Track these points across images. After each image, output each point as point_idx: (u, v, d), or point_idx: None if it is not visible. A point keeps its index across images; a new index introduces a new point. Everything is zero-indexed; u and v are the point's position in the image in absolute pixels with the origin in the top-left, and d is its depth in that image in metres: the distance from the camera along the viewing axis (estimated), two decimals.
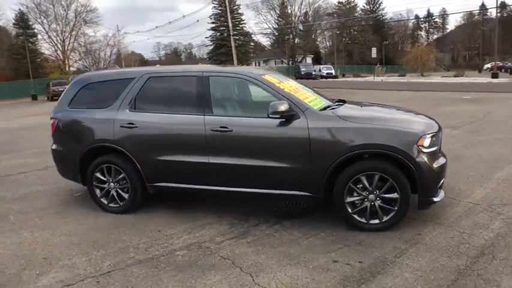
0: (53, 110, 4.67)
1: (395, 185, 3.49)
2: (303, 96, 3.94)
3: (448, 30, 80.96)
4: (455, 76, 32.71)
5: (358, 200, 3.63)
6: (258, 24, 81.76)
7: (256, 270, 3.04)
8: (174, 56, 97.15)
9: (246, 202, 4.42)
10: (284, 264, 3.11)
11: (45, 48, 48.81)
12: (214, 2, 58.79)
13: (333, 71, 47.21)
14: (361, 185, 3.59)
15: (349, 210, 3.65)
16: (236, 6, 60.30)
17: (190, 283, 2.90)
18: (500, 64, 38.41)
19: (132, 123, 4.09)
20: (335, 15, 70.79)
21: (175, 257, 3.32)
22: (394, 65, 60.52)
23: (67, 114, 4.48)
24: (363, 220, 3.63)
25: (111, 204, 4.37)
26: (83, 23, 45.39)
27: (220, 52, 59.75)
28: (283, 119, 3.65)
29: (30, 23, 47.57)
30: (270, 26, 64.99)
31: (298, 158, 3.65)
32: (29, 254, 3.49)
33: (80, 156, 4.31)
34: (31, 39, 46.57)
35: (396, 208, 3.55)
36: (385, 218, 3.59)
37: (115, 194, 4.33)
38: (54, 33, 46.59)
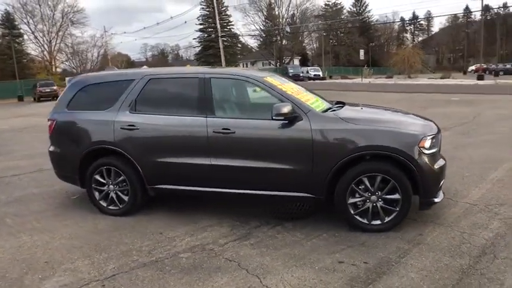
0: (50, 111, 4.59)
1: (397, 186, 3.55)
2: (304, 98, 3.97)
3: (433, 33, 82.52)
4: (441, 78, 33.36)
5: (360, 201, 3.67)
6: (246, 26, 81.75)
7: (262, 272, 3.05)
8: (161, 57, 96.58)
9: (246, 204, 4.43)
10: (290, 266, 3.13)
11: (32, 48, 47.95)
12: (202, 3, 58.66)
13: (320, 73, 47.57)
14: (363, 186, 3.63)
15: (351, 211, 3.68)
16: (224, 8, 60.26)
17: (198, 285, 2.89)
18: (485, 66, 39.29)
19: (133, 125, 4.06)
20: (322, 17, 71.31)
21: (179, 260, 3.30)
22: (381, 66, 61.33)
23: (65, 116, 4.41)
24: (365, 221, 3.68)
25: (110, 207, 4.32)
26: (69, 23, 44.75)
27: (208, 53, 59.55)
28: (286, 121, 3.67)
29: (16, 23, 46.62)
30: (258, 27, 65.12)
31: (301, 159, 3.67)
32: (29, 257, 3.42)
33: (80, 158, 4.25)
34: (17, 40, 45.60)
35: (398, 209, 3.60)
36: (386, 219, 3.64)
37: (114, 197, 4.28)
38: (41, 34, 45.85)
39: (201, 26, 61.77)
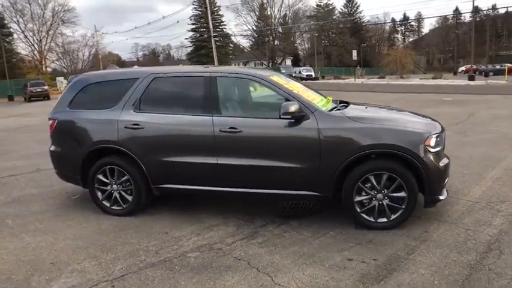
0: (51, 110, 4.53)
1: (403, 184, 3.58)
2: (310, 97, 3.98)
3: (423, 34, 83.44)
4: (433, 78, 33.75)
5: (366, 199, 3.69)
6: (238, 26, 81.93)
7: (273, 270, 3.05)
8: (152, 57, 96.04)
9: (250, 203, 4.43)
10: (300, 264, 3.13)
11: (22, 48, 47.38)
12: (194, 3, 58.51)
13: (312, 73, 47.72)
14: (369, 184, 3.66)
15: (358, 209, 3.70)
16: (216, 8, 60.20)
17: (209, 284, 2.88)
18: (475, 67, 39.87)
19: (138, 124, 4.02)
20: (314, 17, 71.62)
21: (188, 259, 3.29)
22: (372, 67, 61.79)
23: (67, 115, 4.35)
24: (371, 219, 3.70)
25: (113, 207, 4.27)
26: (60, 22, 44.06)
27: (200, 53, 59.43)
28: (293, 120, 3.67)
29: (6, 22, 45.82)
30: (250, 27, 65.16)
31: (308, 158, 3.68)
32: (34, 259, 3.37)
33: (82, 158, 4.20)
34: (7, 39, 44.78)
35: (404, 207, 3.63)
36: (392, 217, 3.67)
37: (118, 196, 4.24)
38: (31, 33, 45.17)
39: (194, 26, 61.70)
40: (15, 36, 46.11)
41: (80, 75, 4.75)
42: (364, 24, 76.38)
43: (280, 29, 66.40)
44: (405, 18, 78.58)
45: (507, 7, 61.91)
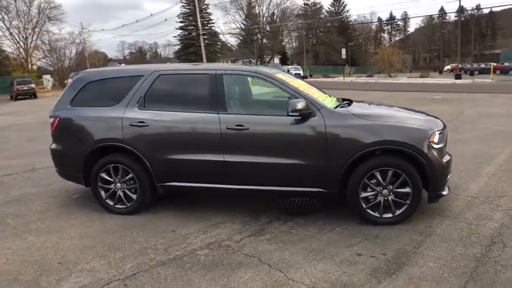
0: (52, 108, 4.45)
1: (408, 179, 3.65)
2: (315, 95, 4.02)
3: (409, 33, 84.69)
4: (421, 77, 34.29)
5: (372, 195, 3.75)
6: (227, 24, 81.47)
7: (285, 266, 3.08)
8: (139, 55, 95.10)
9: (254, 200, 4.45)
10: (311, 259, 3.17)
11: (7, 45, 45.90)
12: (182, 1, 58.00)
13: (301, 72, 47.84)
14: (374, 181, 3.72)
15: (364, 205, 3.76)
16: (205, 6, 59.80)
17: (223, 281, 2.89)
18: (460, 66, 40.67)
19: (143, 122, 3.99)
20: (302, 16, 71.92)
21: (198, 257, 3.29)
22: (359, 66, 62.40)
23: (69, 113, 4.29)
24: (376, 214, 3.76)
25: (117, 206, 4.24)
26: (46, 19, 43.05)
27: (189, 51, 58.99)
28: (300, 117, 3.70)
29: None
30: (238, 26, 65.01)
31: (315, 155, 3.72)
32: (41, 259, 3.32)
33: (85, 156, 4.15)
34: None
35: (408, 202, 3.70)
36: (397, 212, 3.74)
37: (122, 195, 4.21)
38: (16, 30, 43.94)
39: (182, 24, 61.16)
40: (0, 33, 45.05)
41: (82, 72, 4.68)
42: (351, 23, 77.05)
43: (268, 28, 66.46)
44: (391, 18, 79.69)
45: (491, 7, 63.50)
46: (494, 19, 68.39)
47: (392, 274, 2.90)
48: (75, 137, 4.25)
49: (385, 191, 3.71)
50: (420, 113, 4.35)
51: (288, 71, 47.48)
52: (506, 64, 37.39)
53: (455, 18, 63.86)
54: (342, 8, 78.29)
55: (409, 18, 78.23)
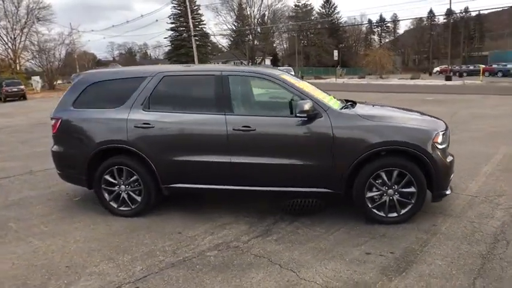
0: (54, 110, 4.40)
1: (413, 179, 3.70)
2: (320, 96, 4.05)
3: (398, 35, 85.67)
4: (412, 78, 34.75)
5: (377, 195, 3.79)
6: (218, 25, 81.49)
7: (296, 266, 3.10)
8: (128, 56, 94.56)
9: (260, 201, 4.46)
10: (321, 259, 3.19)
11: None
12: (173, 2, 57.79)
13: (293, 73, 47.99)
14: (380, 181, 3.76)
15: (369, 205, 3.80)
16: (196, 7, 59.66)
17: (236, 282, 2.90)
18: (449, 68, 41.29)
19: (148, 123, 3.97)
20: (293, 18, 72.24)
21: (207, 258, 3.29)
22: (350, 67, 62.88)
23: (72, 114, 4.24)
24: (382, 214, 3.81)
25: (121, 208, 4.21)
26: (35, 20, 42.38)
27: (180, 53, 58.80)
28: (306, 118, 3.73)
29: None
30: (230, 27, 64.98)
31: (322, 155, 3.75)
32: (48, 263, 3.28)
33: (88, 158, 4.11)
34: None
35: (413, 201, 3.76)
36: (402, 211, 3.79)
37: (126, 197, 4.18)
38: (4, 31, 43.16)
39: (173, 25, 60.92)
40: None
41: (84, 73, 4.64)
42: (341, 25, 77.67)
43: (259, 29, 66.60)
44: (381, 20, 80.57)
45: (479, 10, 64.69)
46: (482, 21, 69.69)
47: (402, 272, 2.94)
48: (78, 139, 4.21)
49: (390, 191, 3.76)
50: (423, 114, 4.42)
51: None
52: (494, 66, 38.12)
53: (444, 21, 64.96)
54: (332, 9, 78.87)
55: (398, 20, 79.17)
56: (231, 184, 3.97)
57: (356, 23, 76.82)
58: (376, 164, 3.72)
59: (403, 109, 4.66)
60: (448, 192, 3.92)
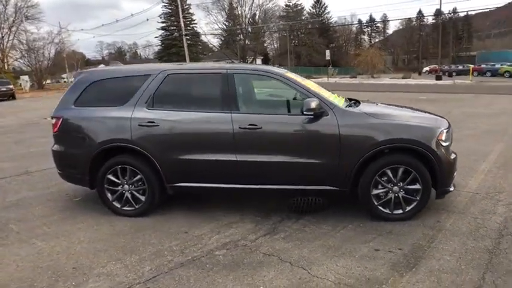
0: (55, 108, 4.32)
1: (418, 176, 3.73)
2: (325, 94, 4.06)
3: (388, 35, 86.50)
4: (403, 78, 35.10)
5: (382, 192, 3.82)
6: (209, 25, 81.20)
7: (306, 263, 3.10)
8: (118, 55, 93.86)
9: (264, 199, 4.45)
10: (330, 256, 3.20)
11: None
12: (164, 1, 57.40)
13: None
14: (385, 178, 3.79)
15: (375, 202, 3.83)
16: (187, 6, 59.35)
17: (248, 281, 2.88)
18: (438, 67, 41.82)
19: (153, 122, 3.93)
20: (283, 18, 72.40)
21: (216, 257, 3.27)
22: (340, 67, 63.24)
23: (74, 113, 4.17)
24: (387, 211, 3.84)
25: (125, 208, 4.15)
26: (23, 18, 41.57)
27: (171, 52, 58.41)
28: (313, 116, 3.74)
29: None
30: (221, 26, 64.85)
31: (328, 153, 3.75)
32: (54, 264, 3.22)
33: (91, 158, 4.05)
34: None
35: (418, 198, 3.80)
36: (408, 208, 3.82)
37: (129, 197, 4.13)
38: None
39: (163, 24, 60.49)
40: None
41: (85, 71, 4.57)
42: (331, 25, 78.09)
43: (249, 29, 66.60)
44: (371, 20, 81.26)
45: (467, 11, 65.71)
46: (470, 22, 70.79)
47: (412, 268, 2.97)
48: (80, 138, 4.14)
49: (395, 188, 3.79)
50: (425, 112, 4.46)
51: None
52: (483, 66, 38.74)
53: (433, 21, 65.81)
54: (322, 9, 79.22)
55: (388, 20, 79.92)
56: (237, 183, 3.95)
57: (346, 23, 77.48)
58: (381, 162, 3.75)
59: (406, 107, 4.70)
60: (451, 189, 3.96)
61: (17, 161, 6.97)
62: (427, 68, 50.95)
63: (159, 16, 59.02)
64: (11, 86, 26.70)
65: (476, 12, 62.56)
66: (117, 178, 4.11)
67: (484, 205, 4.19)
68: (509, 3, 61.48)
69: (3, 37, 41.81)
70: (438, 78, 31.34)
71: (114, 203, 4.17)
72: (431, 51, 65.59)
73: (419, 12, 67.27)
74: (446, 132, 3.89)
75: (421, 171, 3.73)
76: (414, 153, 3.74)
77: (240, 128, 3.79)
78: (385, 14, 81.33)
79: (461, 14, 68.60)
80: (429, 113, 4.49)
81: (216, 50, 71.41)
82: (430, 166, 3.75)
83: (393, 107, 4.57)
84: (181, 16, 43.39)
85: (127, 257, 3.31)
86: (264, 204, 4.35)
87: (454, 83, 27.59)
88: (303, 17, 77.35)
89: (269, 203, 4.39)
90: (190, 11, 60.83)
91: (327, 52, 36.45)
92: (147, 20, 54.31)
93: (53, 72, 43.13)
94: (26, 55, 39.43)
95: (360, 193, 3.83)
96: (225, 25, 64.84)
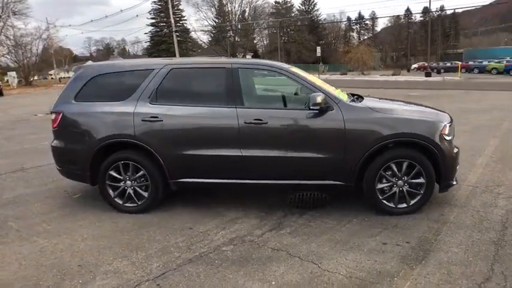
0: (54, 103, 4.21)
1: (422, 170, 3.76)
2: (330, 89, 4.05)
3: (376, 32, 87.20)
4: (393, 75, 35.48)
5: (387, 186, 3.84)
6: (199, 21, 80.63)
7: (316, 258, 3.09)
8: (106, 52, 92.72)
9: (267, 195, 4.43)
10: (339, 250, 3.20)
11: None
12: None
13: None
14: (390, 172, 3.81)
15: (380, 196, 3.84)
16: (177, 2, 58.81)
17: (259, 276, 2.86)
18: (427, 64, 42.38)
19: (156, 117, 3.87)
20: (273, 15, 72.33)
21: (224, 253, 3.24)
22: (330, 63, 63.54)
23: (74, 108, 4.07)
24: (392, 205, 3.86)
25: (127, 204, 4.09)
26: (10, 13, 40.50)
27: (160, 48, 57.86)
28: (318, 111, 3.72)
29: None
30: (211, 23, 64.43)
31: (334, 148, 3.75)
32: (58, 262, 3.15)
33: (92, 153, 3.97)
34: None
35: (422, 192, 3.82)
36: (412, 202, 3.85)
37: (132, 193, 4.07)
38: None
39: (153, 21, 59.84)
40: None
41: (85, 65, 4.47)
42: (320, 22, 78.31)
43: (239, 25, 66.35)
44: (360, 17, 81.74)
45: (454, 9, 66.66)
46: (457, 20, 71.83)
47: (421, 260, 2.99)
48: (82, 133, 4.05)
49: (400, 182, 3.81)
50: (427, 107, 4.49)
51: None
52: (471, 63, 39.39)
53: (421, 19, 66.54)
54: (312, 7, 79.44)
55: (377, 18, 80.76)
56: (242, 178, 3.92)
57: (335, 20, 77.80)
58: (386, 156, 3.76)
59: (408, 102, 4.72)
60: (454, 183, 4.00)
61: (11, 157, 6.81)
62: (415, 65, 51.59)
63: (148, 12, 58.45)
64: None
65: (463, 10, 63.54)
66: (119, 174, 4.04)
67: (485, 198, 4.25)
68: (494, 1, 62.55)
69: None
70: (428, 75, 31.75)
71: (116, 199, 4.10)
72: (419, 48, 66.43)
73: (408, 9, 67.94)
74: (449, 126, 3.92)
75: (425, 165, 3.76)
76: (418, 147, 3.76)
77: (245, 122, 3.76)
78: (373, 11, 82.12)
79: (449, 12, 69.64)
80: (431, 107, 4.52)
81: (206, 46, 71.00)
82: (434, 160, 3.78)
83: (396, 102, 4.59)
84: (171, 12, 42.91)
85: (133, 254, 3.25)
86: (266, 200, 4.33)
87: (443, 79, 27.96)
88: (293, 14, 77.41)
89: (271, 198, 4.37)
90: (180, 7, 60.37)
91: (318, 49, 36.54)
92: (137, 16, 53.72)
93: (41, 68, 42.25)
94: (13, 51, 38.53)
95: (364, 187, 3.84)
96: (215, 22, 64.42)
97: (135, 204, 4.08)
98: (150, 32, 61.12)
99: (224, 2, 64.23)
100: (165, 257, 3.20)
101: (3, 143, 8.32)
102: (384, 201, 3.85)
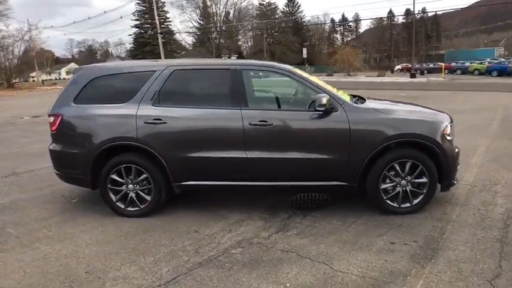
0: (52, 106, 4.11)
1: (424, 170, 3.82)
2: (333, 91, 4.07)
3: (359, 33, 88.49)
4: (378, 76, 36.04)
5: (390, 186, 3.88)
6: (183, 23, 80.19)
7: (327, 258, 3.10)
8: (88, 54, 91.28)
9: (269, 196, 4.42)
10: (348, 251, 3.22)
11: None
12: None
13: None
14: (393, 172, 3.85)
15: (383, 196, 3.88)
16: (161, 4, 58.32)
17: (272, 278, 2.85)
18: (410, 65, 43.21)
19: (160, 119, 3.81)
20: (257, 17, 72.55)
21: (234, 256, 3.21)
22: (314, 65, 64.08)
23: (74, 111, 3.98)
24: (395, 204, 3.90)
25: (129, 208, 4.01)
26: None
27: (145, 50, 57.27)
28: (322, 112, 3.74)
29: None
30: (195, 24, 64.16)
31: (338, 149, 3.77)
32: (64, 269, 3.06)
33: (93, 157, 3.88)
34: None
35: (425, 191, 3.88)
36: (415, 201, 3.91)
37: (134, 197, 3.99)
38: None
39: (137, 22, 59.19)
40: None
41: (84, 67, 4.37)
42: (305, 24, 78.95)
43: (224, 27, 66.27)
44: (344, 19, 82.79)
45: (436, 11, 68.25)
46: (439, 21, 73.54)
47: (431, 259, 3.03)
48: (82, 136, 3.96)
49: (403, 182, 3.86)
50: (427, 108, 4.57)
51: None
52: (453, 64, 40.37)
53: (403, 21, 67.87)
54: (296, 8, 80.00)
55: (360, 19, 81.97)
56: (247, 180, 3.90)
57: (319, 22, 78.56)
58: (390, 156, 3.80)
59: (408, 103, 4.79)
60: (455, 182, 4.08)
61: (1, 161, 6.60)
62: (399, 67, 52.54)
63: (132, 14, 57.78)
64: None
65: (443, 12, 65.11)
66: (121, 178, 3.96)
67: (484, 197, 4.35)
68: (474, 3, 64.34)
69: None
70: (412, 76, 32.40)
71: (118, 203, 4.02)
72: (401, 49, 67.65)
73: (390, 12, 69.21)
74: (450, 126, 4.00)
75: (428, 164, 3.82)
76: (421, 147, 3.82)
77: (250, 124, 3.74)
78: (357, 13, 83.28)
79: (430, 14, 71.27)
80: (431, 108, 4.60)
81: (191, 48, 70.60)
82: (436, 160, 3.84)
83: (397, 103, 4.66)
84: (156, 14, 42.58)
85: (141, 259, 3.19)
86: (267, 201, 4.32)
87: (428, 80, 28.55)
88: (277, 16, 77.79)
89: (272, 199, 4.36)
90: (165, 8, 60.00)
91: (304, 50, 36.91)
92: (121, 17, 53.08)
93: (22, 70, 41.16)
94: None
95: (368, 188, 3.88)
96: (200, 23, 64.18)
97: (138, 208, 4.01)
98: (134, 33, 60.48)
99: (208, 4, 64.12)
100: (174, 261, 3.15)
101: None
102: (388, 201, 3.90)
